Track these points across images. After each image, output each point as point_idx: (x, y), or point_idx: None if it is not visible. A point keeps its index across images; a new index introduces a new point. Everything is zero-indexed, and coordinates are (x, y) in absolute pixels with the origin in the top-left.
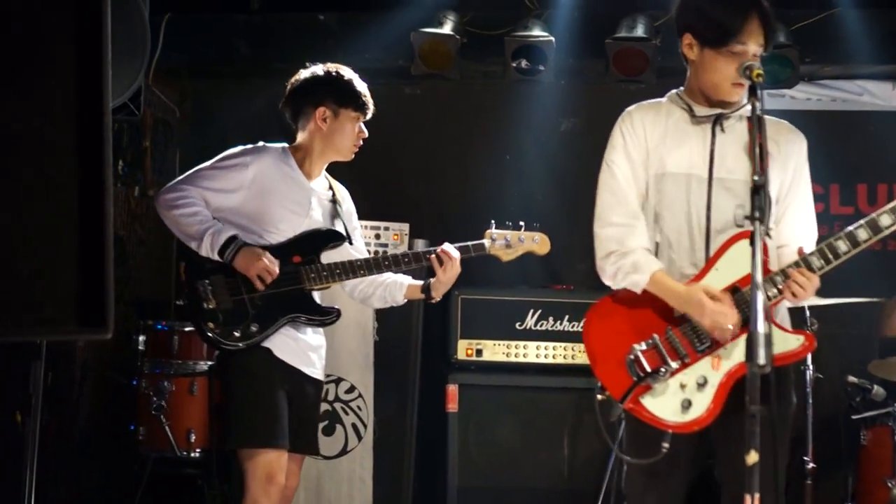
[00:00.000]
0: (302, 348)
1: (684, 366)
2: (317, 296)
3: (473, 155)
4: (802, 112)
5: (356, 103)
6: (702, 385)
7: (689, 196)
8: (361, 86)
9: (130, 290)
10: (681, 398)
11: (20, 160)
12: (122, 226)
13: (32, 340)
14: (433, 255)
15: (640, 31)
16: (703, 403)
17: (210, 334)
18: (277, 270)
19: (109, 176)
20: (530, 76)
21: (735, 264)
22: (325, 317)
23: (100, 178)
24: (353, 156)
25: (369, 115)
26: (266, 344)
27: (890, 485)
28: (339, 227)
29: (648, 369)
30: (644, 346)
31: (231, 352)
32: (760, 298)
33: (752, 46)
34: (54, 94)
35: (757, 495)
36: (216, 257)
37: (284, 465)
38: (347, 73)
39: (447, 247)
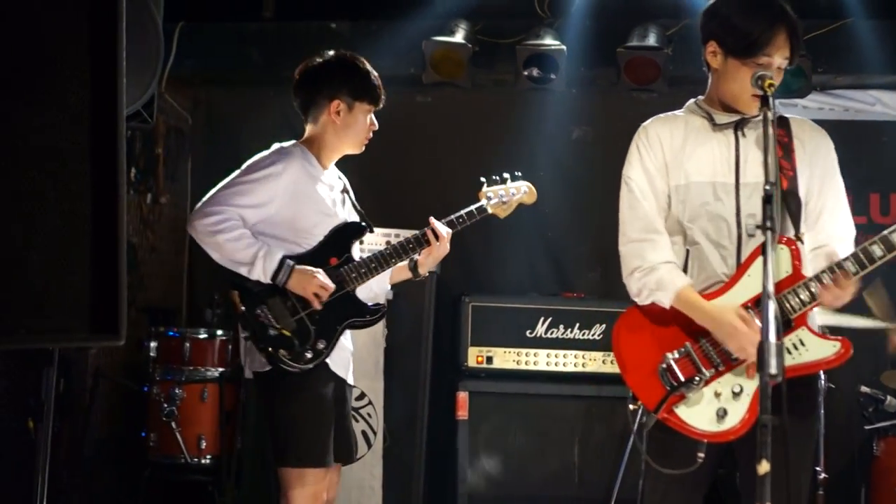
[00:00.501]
0: (345, 357)
1: (718, 374)
2: (360, 294)
3: (484, 163)
4: (815, 122)
5: (371, 96)
6: (737, 394)
7: (717, 204)
8: (376, 76)
9: (142, 297)
10: (716, 407)
11: (35, 168)
12: (133, 232)
13: (46, 347)
14: (429, 231)
15: (651, 41)
16: (738, 413)
17: (284, 360)
18: (333, 286)
19: (123, 184)
20: (542, 85)
21: None
22: (375, 315)
23: (113, 186)
24: (364, 148)
25: (381, 106)
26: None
27: None
28: (356, 216)
29: (682, 378)
30: (677, 355)
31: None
32: (772, 308)
33: (778, 59)
34: (69, 102)
35: None
36: (267, 281)
37: (327, 485)
38: (362, 63)
39: (437, 224)
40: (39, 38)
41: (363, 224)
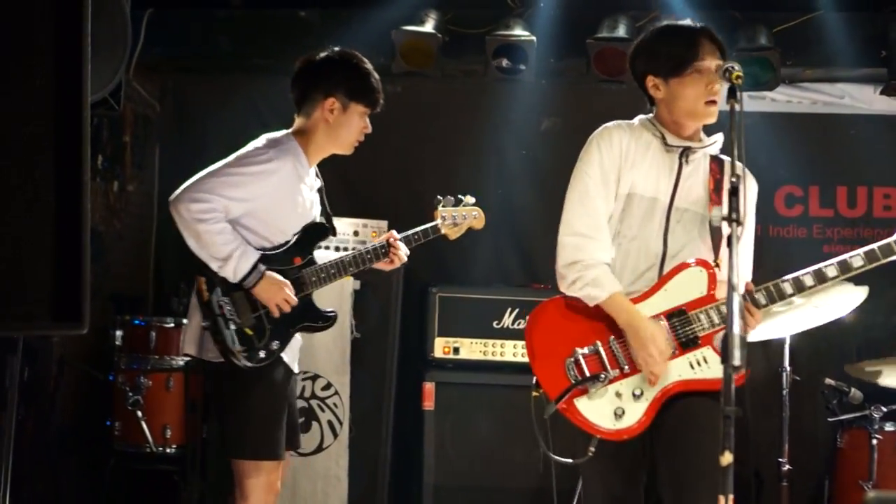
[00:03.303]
0: (295, 350)
1: (623, 375)
2: (315, 298)
3: (453, 153)
4: (783, 114)
5: (369, 98)
6: (637, 397)
7: (651, 220)
8: (377, 79)
9: (108, 285)
10: (615, 406)
11: None
12: (100, 220)
13: (8, 335)
14: (391, 250)
15: (621, 32)
16: (635, 414)
17: (238, 356)
18: (296, 301)
19: (87, 172)
20: (511, 75)
21: (684, 288)
22: (327, 322)
23: (77, 173)
24: (353, 150)
25: (378, 110)
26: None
27: (866, 488)
28: (324, 217)
29: (587, 374)
30: (586, 351)
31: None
32: (737, 300)
33: (712, 62)
34: (33, 89)
35: (731, 496)
36: (235, 282)
37: (280, 474)
38: (364, 63)
39: (399, 244)
40: (3, 23)
41: (328, 227)
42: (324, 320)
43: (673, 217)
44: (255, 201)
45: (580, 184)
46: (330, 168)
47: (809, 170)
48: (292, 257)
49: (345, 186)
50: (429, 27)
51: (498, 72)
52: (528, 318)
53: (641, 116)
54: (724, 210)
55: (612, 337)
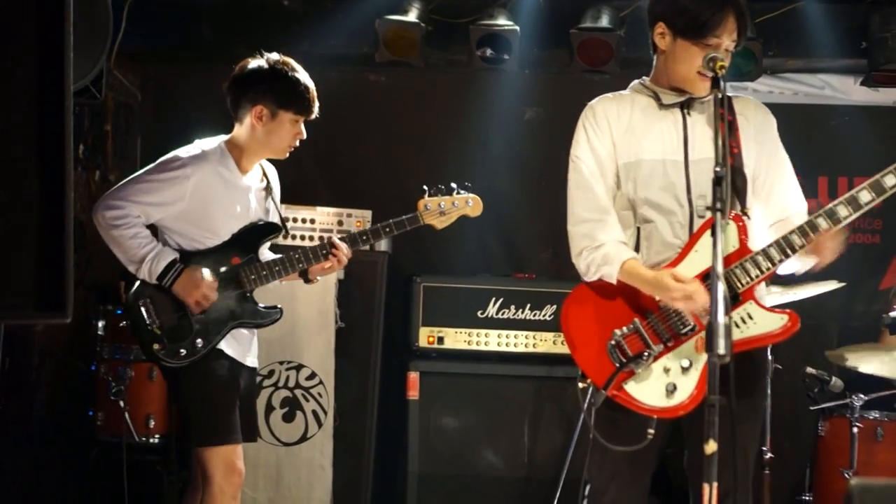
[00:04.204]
0: (242, 342)
1: (668, 349)
2: (256, 295)
3: (437, 143)
4: (765, 105)
5: (297, 106)
6: (686, 369)
7: (668, 181)
8: (306, 86)
9: (90, 275)
10: (665, 382)
11: None
12: (82, 210)
13: None
14: (333, 250)
15: (604, 22)
16: (687, 388)
17: (156, 355)
18: (216, 297)
19: (70, 162)
20: (495, 65)
21: None
22: (266, 319)
23: (60, 163)
24: (288, 155)
25: (313, 116)
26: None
27: (847, 476)
28: (274, 217)
29: (631, 354)
30: (625, 331)
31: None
32: (721, 288)
33: (726, 41)
34: (15, 77)
35: (715, 484)
36: (154, 282)
37: (241, 455)
38: (294, 71)
39: (341, 244)
40: None
41: (276, 225)
42: (262, 317)
43: (692, 172)
44: (173, 205)
45: (574, 171)
46: (312, 155)
47: (791, 160)
48: (231, 256)
49: (328, 176)
50: (412, 16)
51: (481, 61)
52: (561, 310)
53: (635, 81)
54: (710, 200)
55: (650, 311)
